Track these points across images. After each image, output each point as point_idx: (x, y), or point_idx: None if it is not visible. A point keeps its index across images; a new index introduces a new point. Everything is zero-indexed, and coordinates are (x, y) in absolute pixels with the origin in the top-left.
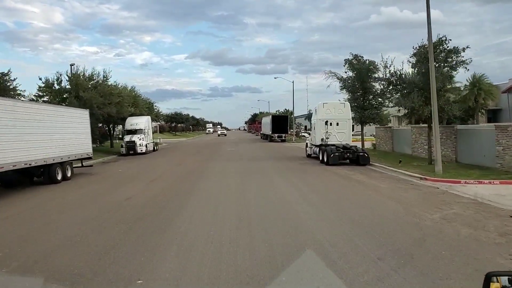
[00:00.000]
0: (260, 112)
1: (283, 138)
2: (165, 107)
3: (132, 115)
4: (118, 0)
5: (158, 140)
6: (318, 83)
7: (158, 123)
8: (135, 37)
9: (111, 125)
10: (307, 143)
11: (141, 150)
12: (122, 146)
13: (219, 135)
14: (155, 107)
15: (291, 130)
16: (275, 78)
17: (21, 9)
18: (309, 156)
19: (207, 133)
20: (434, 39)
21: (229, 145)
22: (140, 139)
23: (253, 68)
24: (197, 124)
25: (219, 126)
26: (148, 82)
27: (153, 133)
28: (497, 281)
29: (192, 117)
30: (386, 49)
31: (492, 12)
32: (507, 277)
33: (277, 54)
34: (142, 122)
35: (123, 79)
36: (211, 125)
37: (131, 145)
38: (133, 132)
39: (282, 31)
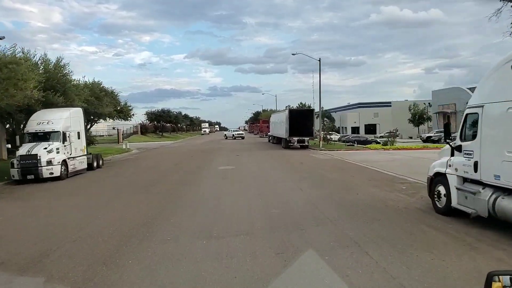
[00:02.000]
0: (263, 110)
1: (306, 143)
2: (164, 108)
3: (47, 106)
4: (117, 0)
5: (124, 146)
6: (318, 83)
7: (138, 122)
8: (134, 36)
9: (18, 125)
10: (445, 175)
11: (51, 173)
12: (13, 166)
13: (229, 138)
14: (119, 99)
15: (317, 131)
16: (292, 54)
17: (19, 9)
18: (448, 210)
19: (203, 134)
20: None
21: (225, 156)
22: (50, 151)
23: (253, 68)
24: (191, 124)
25: (217, 126)
26: (147, 82)
27: (131, 134)
28: (499, 281)
29: (185, 115)
30: (386, 48)
31: (493, 11)
32: (509, 276)
33: (277, 53)
34: (60, 119)
35: (122, 79)
36: (207, 125)
37: (30, 164)
38: (41, 137)
39: (282, 31)
